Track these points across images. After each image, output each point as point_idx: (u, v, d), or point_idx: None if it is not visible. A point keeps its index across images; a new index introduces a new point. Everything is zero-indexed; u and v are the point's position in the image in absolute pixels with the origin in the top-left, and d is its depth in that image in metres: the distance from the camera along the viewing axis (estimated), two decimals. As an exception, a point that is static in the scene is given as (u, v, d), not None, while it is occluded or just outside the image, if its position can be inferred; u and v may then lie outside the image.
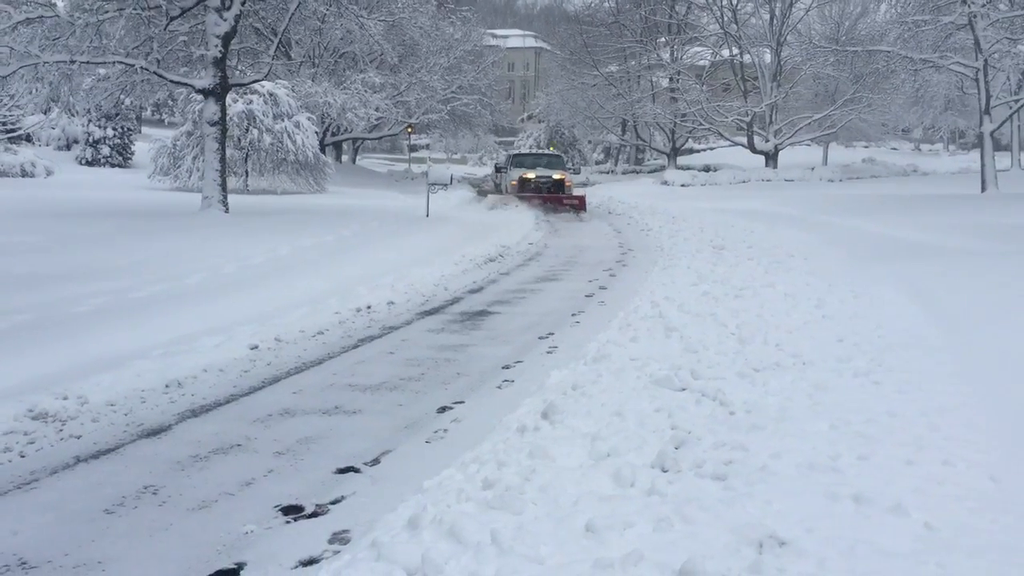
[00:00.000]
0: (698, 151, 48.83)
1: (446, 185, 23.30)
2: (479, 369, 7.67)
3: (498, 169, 31.13)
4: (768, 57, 40.33)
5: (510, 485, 4.38)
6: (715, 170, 40.33)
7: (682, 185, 36.98)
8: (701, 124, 41.09)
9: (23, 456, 5.42)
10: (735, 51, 41.45)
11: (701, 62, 44.83)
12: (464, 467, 4.81)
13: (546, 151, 33.54)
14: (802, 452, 4.73)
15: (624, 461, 4.69)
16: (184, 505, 4.71)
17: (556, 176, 26.54)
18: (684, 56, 44.54)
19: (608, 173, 50.90)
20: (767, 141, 39.85)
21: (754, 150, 40.50)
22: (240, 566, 4.01)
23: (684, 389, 6.12)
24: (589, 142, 58.65)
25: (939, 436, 5.01)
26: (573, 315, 10.17)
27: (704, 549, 3.61)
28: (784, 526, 3.80)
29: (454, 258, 14.45)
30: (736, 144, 41.45)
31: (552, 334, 9.10)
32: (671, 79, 44.12)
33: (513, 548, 3.70)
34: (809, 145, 45.50)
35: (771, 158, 39.93)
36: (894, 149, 60.86)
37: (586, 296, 11.59)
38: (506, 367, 7.72)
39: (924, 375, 6.39)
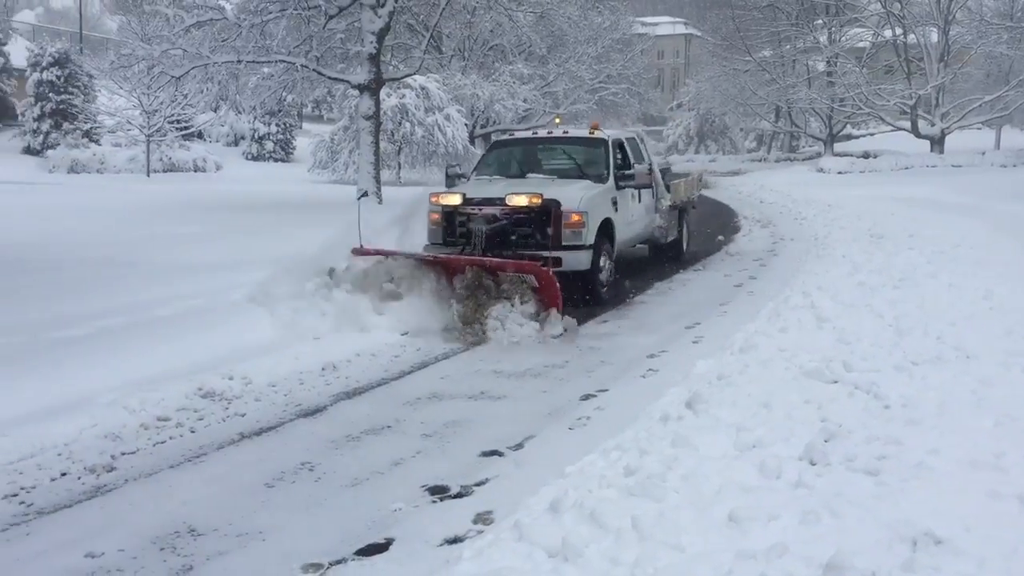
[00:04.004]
0: (856, 137, 46.83)
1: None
2: (624, 358, 7.66)
3: (452, 179, 11.25)
4: (934, 36, 38.18)
5: (652, 473, 4.36)
6: (875, 156, 38.54)
7: (839, 172, 35.56)
8: (860, 109, 39.35)
9: (193, 431, 5.80)
10: (898, 31, 39.46)
11: (861, 44, 42.89)
12: (606, 454, 4.82)
13: (571, 134, 12.21)
14: (963, 449, 4.49)
15: (770, 452, 4.59)
16: (338, 482, 4.93)
17: (522, 200, 9.28)
18: (842, 38, 42.72)
19: (760, 161, 49.55)
20: (933, 125, 37.79)
21: (918, 135, 38.49)
22: (389, 541, 4.17)
23: (836, 381, 5.92)
24: (741, 129, 57.28)
25: (1119, 437, 4.64)
26: (720, 305, 9.99)
27: (853, 544, 3.49)
28: (941, 524, 3.62)
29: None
30: (898, 129, 39.49)
31: (698, 324, 8.98)
32: (828, 62, 42.44)
33: (654, 535, 3.69)
34: (979, 128, 42.83)
35: (937, 143, 37.84)
36: (1077, 131, 56.49)
37: (735, 286, 11.35)
38: (651, 356, 7.67)
39: (1104, 372, 5.93)
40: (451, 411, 6.20)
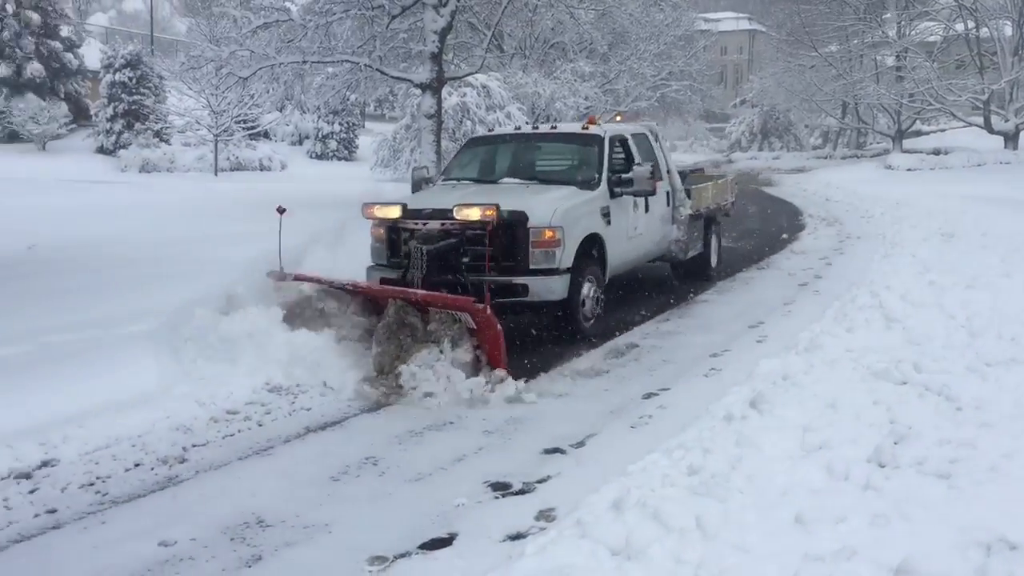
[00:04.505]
0: (927, 133, 45.77)
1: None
2: (686, 357, 7.61)
3: (418, 184, 9.98)
4: (1008, 30, 37.05)
5: (716, 472, 4.33)
6: (946, 153, 37.56)
7: (908, 169, 34.72)
8: (931, 104, 38.37)
9: (260, 425, 5.92)
10: (970, 24, 38.40)
11: (931, 38, 41.83)
12: (669, 453, 4.80)
13: (559, 130, 10.28)
14: (1039, 453, 4.36)
15: (837, 454, 4.51)
16: (402, 476, 4.99)
17: (472, 213, 7.41)
18: (912, 32, 41.71)
19: (826, 158, 48.69)
20: (1006, 121, 36.70)
21: (991, 131, 37.40)
22: (452, 536, 4.21)
23: (905, 383, 5.79)
24: (806, 126, 56.32)
25: None
26: (785, 304, 9.85)
27: (925, 548, 3.42)
28: (1016, 529, 3.52)
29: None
30: (971, 125, 38.41)
31: (762, 323, 8.87)
32: (897, 57, 41.47)
33: (718, 535, 3.66)
34: (1057, 124, 41.48)
35: (1011, 139, 36.74)
36: None
37: (799, 285, 11.18)
38: (714, 355, 7.61)
39: None
40: (513, 408, 6.22)
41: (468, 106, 28.58)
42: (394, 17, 18.75)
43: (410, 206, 7.91)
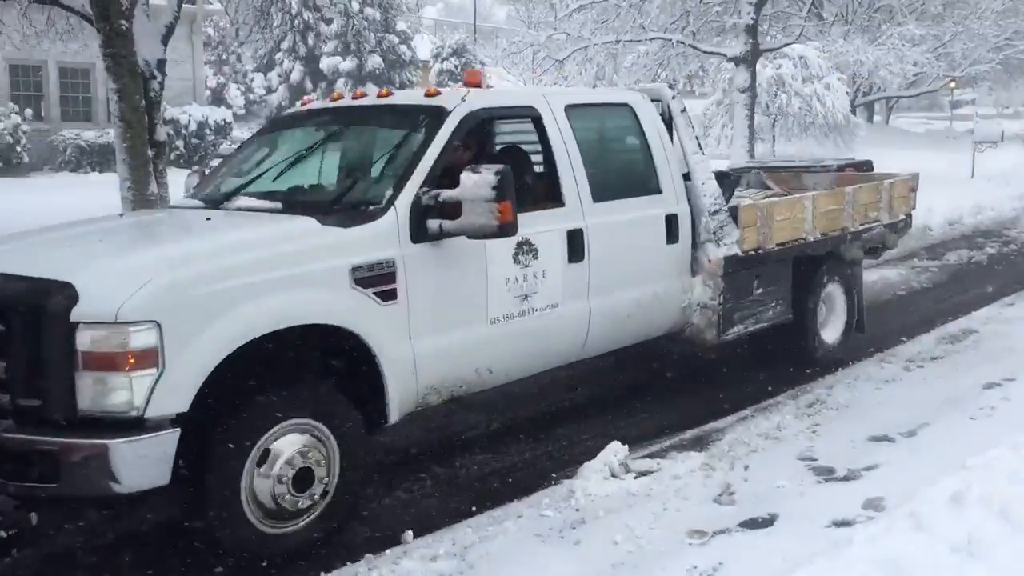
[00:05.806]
0: None
1: (995, 143, 21.04)
2: (1035, 345, 6.92)
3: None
4: None
5: (1075, 473, 3.92)
6: None
7: None
8: None
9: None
10: None
11: None
12: (1016, 448, 4.39)
13: (389, 101, 4.94)
14: None
15: None
16: (720, 454, 5.00)
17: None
18: None
19: None
20: None
21: None
22: (773, 517, 4.17)
23: None
24: None
25: None
26: None
27: None
28: None
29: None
30: None
31: None
32: None
33: (1078, 541, 3.33)
34: None
35: None
36: None
37: None
38: (1069, 345, 6.86)
39: None
40: (835, 392, 6.01)
41: (783, 78, 27.58)
42: (708, -9, 18.51)
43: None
